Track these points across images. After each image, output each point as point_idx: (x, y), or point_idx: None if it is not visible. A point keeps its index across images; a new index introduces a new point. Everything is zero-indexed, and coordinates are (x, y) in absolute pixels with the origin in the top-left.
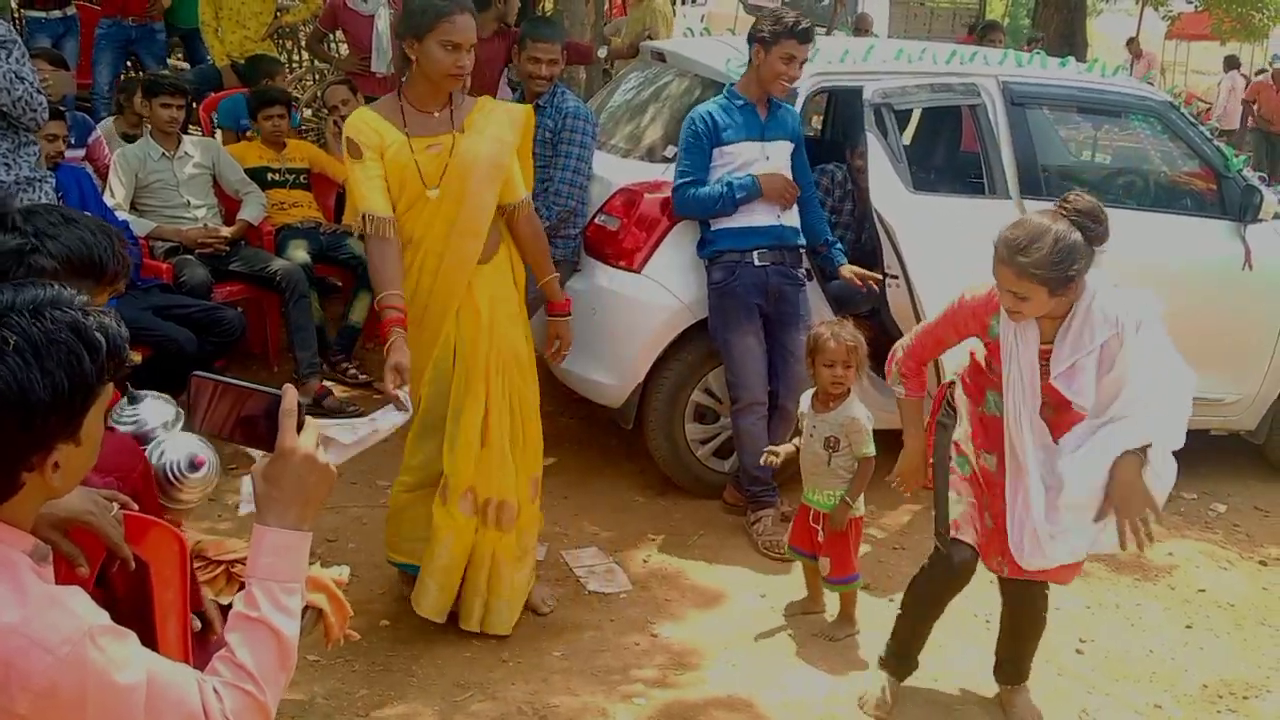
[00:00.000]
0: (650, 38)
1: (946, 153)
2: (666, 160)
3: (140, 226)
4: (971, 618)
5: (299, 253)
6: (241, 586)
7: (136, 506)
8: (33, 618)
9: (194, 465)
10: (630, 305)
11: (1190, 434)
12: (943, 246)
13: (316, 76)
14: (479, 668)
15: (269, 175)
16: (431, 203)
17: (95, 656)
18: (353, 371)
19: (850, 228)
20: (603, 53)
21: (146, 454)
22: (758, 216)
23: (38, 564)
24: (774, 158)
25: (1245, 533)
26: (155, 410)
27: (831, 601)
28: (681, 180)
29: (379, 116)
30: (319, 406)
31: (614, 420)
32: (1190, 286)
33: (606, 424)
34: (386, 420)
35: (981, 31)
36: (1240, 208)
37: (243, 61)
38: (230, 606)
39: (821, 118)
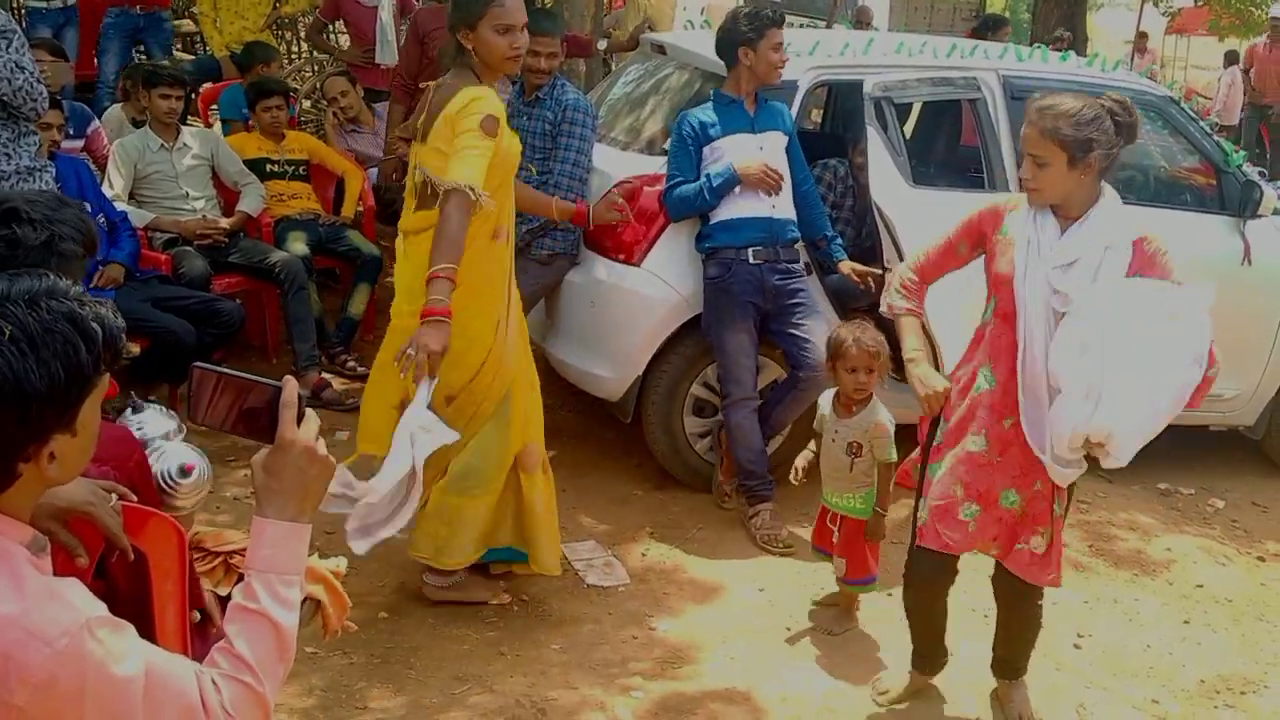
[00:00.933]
0: (650, 30)
1: (946, 147)
2: (666, 153)
3: (139, 218)
4: (969, 612)
5: (298, 244)
6: (240, 578)
7: (135, 497)
8: (31, 610)
9: (184, 471)
10: (629, 298)
11: (1189, 430)
12: None
13: (316, 68)
14: (477, 660)
15: (268, 166)
16: (514, 184)
17: (93, 648)
18: (351, 364)
19: (851, 223)
20: (602, 45)
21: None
22: (747, 207)
23: (35, 555)
24: (768, 148)
25: (1243, 528)
26: (156, 422)
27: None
28: (669, 183)
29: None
30: (318, 399)
31: (612, 414)
32: (1189, 282)
33: (605, 417)
34: (423, 449)
35: (989, 26)
36: (1240, 203)
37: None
38: (229, 598)
39: (821, 111)
